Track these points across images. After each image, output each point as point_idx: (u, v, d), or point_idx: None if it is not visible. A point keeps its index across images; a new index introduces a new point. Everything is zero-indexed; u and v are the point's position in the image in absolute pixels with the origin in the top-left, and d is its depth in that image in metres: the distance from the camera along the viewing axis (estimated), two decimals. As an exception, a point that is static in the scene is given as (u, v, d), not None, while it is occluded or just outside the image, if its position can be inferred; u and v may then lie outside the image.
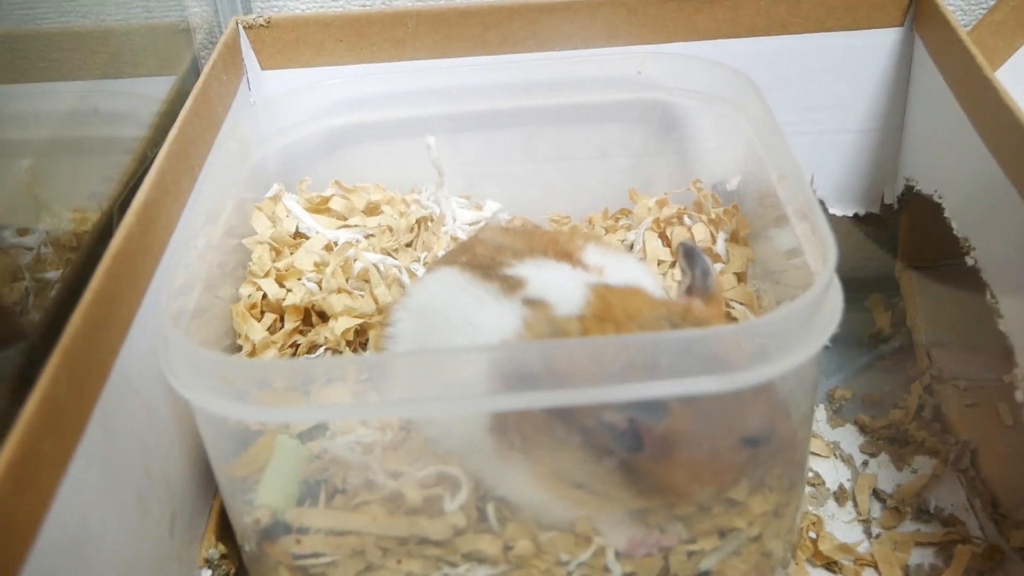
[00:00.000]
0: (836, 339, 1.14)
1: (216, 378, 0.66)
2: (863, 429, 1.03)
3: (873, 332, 1.15)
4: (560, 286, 0.78)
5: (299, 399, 0.66)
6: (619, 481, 0.72)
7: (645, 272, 0.90)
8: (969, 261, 0.90)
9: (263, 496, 0.75)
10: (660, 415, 0.68)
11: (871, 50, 1.07)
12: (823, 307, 0.71)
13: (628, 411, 0.68)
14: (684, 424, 0.69)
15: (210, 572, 0.81)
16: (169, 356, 0.68)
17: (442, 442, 0.77)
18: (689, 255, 0.76)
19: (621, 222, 1.10)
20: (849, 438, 1.02)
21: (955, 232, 0.94)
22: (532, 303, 0.76)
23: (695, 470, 0.71)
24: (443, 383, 0.66)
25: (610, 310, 0.74)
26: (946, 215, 0.96)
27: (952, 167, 0.98)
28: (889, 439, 1.01)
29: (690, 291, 0.76)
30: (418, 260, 1.01)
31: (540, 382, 0.65)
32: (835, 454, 1.00)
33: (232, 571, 0.82)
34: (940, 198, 0.98)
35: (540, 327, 0.74)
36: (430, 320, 0.80)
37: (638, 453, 0.70)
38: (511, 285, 0.79)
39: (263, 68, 1.04)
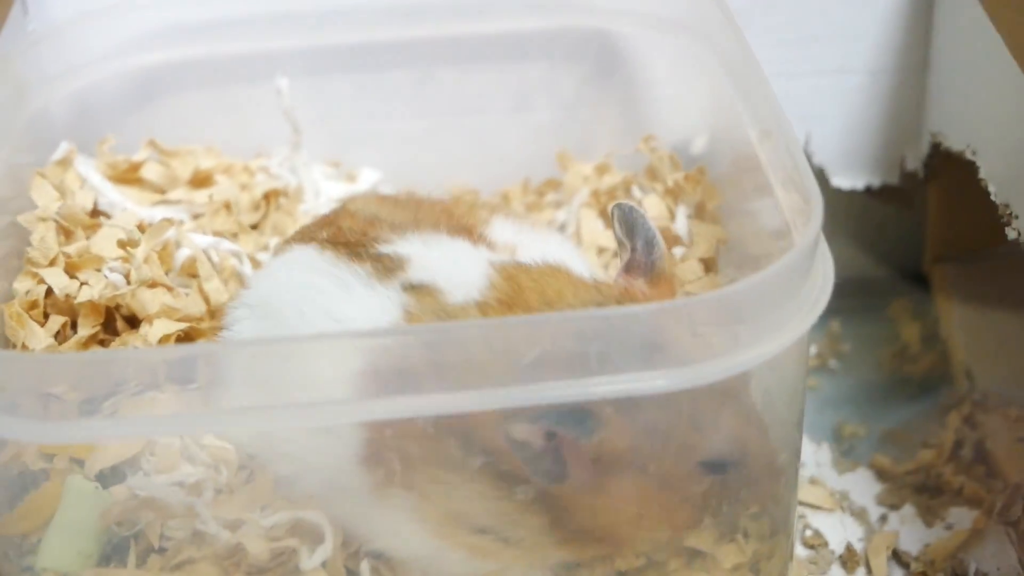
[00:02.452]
0: (848, 361, 1.19)
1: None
2: (881, 475, 1.07)
3: (896, 349, 1.19)
4: (454, 266, 0.82)
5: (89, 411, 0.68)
6: (538, 523, 0.75)
7: (573, 252, 0.94)
8: (1011, 234, 0.95)
9: (47, 557, 0.77)
10: (588, 427, 0.71)
11: (884, -40, 1.12)
12: (807, 280, 0.74)
13: (545, 422, 0.70)
14: (622, 440, 0.72)
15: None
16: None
17: (298, 482, 0.79)
18: (627, 219, 0.80)
19: (548, 197, 1.13)
20: (862, 486, 1.06)
21: (992, 197, 0.99)
22: (415, 288, 0.80)
23: (639, 506, 0.74)
24: (291, 386, 0.69)
25: (522, 295, 0.77)
26: (981, 176, 1.01)
27: (988, 113, 1.03)
28: (916, 487, 1.05)
29: (629, 268, 0.80)
30: (267, 248, 1.03)
31: (424, 382, 0.68)
32: (843, 507, 1.03)
33: (5, 672, 0.83)
34: (974, 154, 1.03)
35: (427, 318, 0.77)
36: (279, 317, 0.83)
37: (561, 482, 0.73)
38: (388, 266, 0.82)
39: (45, -16, 1.06)
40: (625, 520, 0.75)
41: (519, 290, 0.78)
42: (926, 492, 1.05)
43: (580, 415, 0.70)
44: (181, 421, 0.70)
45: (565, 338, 0.68)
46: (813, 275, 0.74)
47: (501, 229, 0.91)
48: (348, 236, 0.87)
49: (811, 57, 1.15)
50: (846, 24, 1.14)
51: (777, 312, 0.72)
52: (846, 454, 1.10)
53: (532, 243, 0.90)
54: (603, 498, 0.74)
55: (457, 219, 0.90)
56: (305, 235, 0.90)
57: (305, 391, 0.69)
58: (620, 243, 0.81)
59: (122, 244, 0.91)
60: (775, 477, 0.79)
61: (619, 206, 0.80)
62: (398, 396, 0.69)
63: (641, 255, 0.79)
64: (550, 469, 0.72)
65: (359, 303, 0.80)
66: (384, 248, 0.84)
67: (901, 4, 1.13)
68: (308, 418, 0.71)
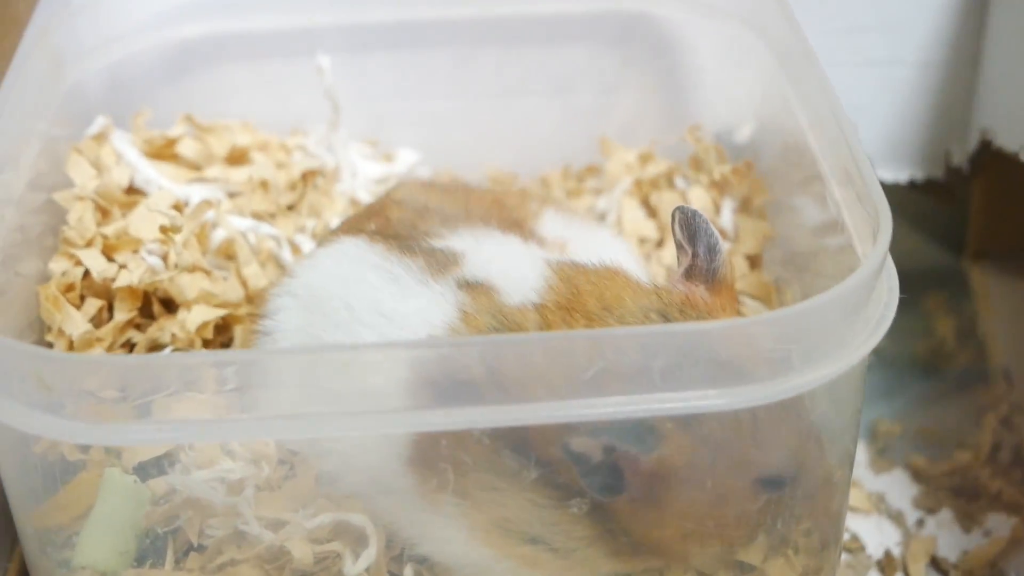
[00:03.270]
0: (882, 354, 1.19)
1: (25, 379, 0.67)
2: (918, 476, 1.07)
3: (931, 345, 1.19)
4: (510, 264, 0.81)
5: (138, 412, 0.67)
6: (590, 535, 0.74)
7: (625, 249, 0.93)
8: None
9: (85, 553, 0.76)
10: (648, 442, 0.70)
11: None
12: (872, 298, 0.73)
13: (604, 436, 0.70)
14: (681, 456, 0.71)
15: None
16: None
17: (341, 480, 0.78)
18: (689, 224, 0.79)
19: (588, 183, 1.12)
20: (899, 488, 1.06)
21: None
22: (471, 286, 0.79)
23: (694, 520, 0.74)
24: (344, 393, 0.68)
25: (580, 298, 0.76)
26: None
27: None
28: (953, 489, 1.05)
29: (690, 274, 0.79)
30: (303, 229, 1.02)
31: (482, 394, 0.67)
32: (880, 509, 1.03)
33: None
34: (1028, 157, 1.03)
35: (483, 319, 0.76)
36: (325, 310, 0.82)
37: (617, 495, 0.72)
38: (441, 262, 0.81)
39: (84, -47, 1.04)
40: (679, 534, 0.75)
41: (577, 293, 0.77)
42: (963, 496, 1.05)
43: (641, 430, 0.70)
44: (233, 427, 0.69)
45: (627, 353, 0.68)
46: (876, 297, 0.74)
47: (552, 223, 0.90)
48: (398, 228, 0.86)
49: (860, 47, 1.14)
50: (898, 15, 1.14)
51: (842, 331, 0.71)
52: (882, 453, 1.10)
53: (583, 238, 0.89)
54: (658, 512, 0.73)
55: (508, 211, 0.89)
56: (353, 226, 0.89)
57: (361, 399, 0.69)
58: (680, 248, 0.80)
59: (164, 230, 0.90)
60: (829, 494, 0.79)
61: (681, 210, 0.79)
62: (456, 407, 0.68)
63: (703, 262, 0.78)
64: (607, 482, 0.72)
65: (412, 299, 0.79)
66: (436, 242, 0.83)
67: (956, -7, 1.13)
68: (357, 428, 0.71)
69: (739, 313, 0.89)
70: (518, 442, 0.72)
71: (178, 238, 0.91)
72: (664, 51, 1.11)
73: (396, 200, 0.91)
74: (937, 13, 1.13)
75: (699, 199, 1.05)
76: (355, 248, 0.85)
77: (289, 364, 0.70)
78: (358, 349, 0.72)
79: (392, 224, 0.86)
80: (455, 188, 0.95)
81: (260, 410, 0.69)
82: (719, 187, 1.05)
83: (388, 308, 0.79)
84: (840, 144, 0.82)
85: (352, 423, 0.69)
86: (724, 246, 0.79)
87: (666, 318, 0.75)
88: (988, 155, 1.13)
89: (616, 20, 1.10)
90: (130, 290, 0.90)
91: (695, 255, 0.79)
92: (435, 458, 0.74)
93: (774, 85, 0.97)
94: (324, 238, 0.93)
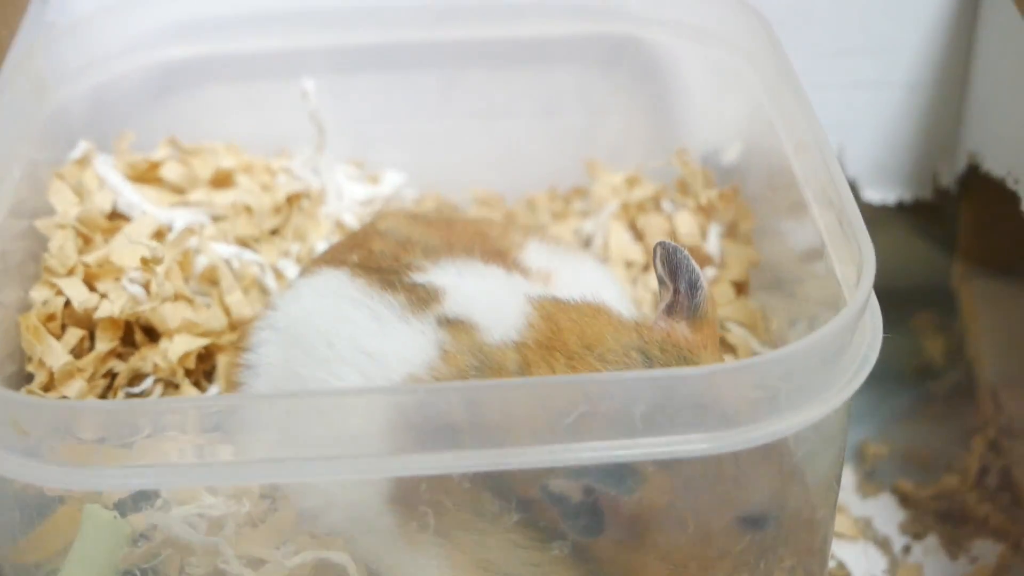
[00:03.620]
0: (870, 374, 1.19)
1: (1, 424, 0.67)
2: (904, 500, 1.07)
3: (919, 364, 1.19)
4: (491, 300, 0.80)
5: (117, 455, 0.67)
6: (570, 575, 0.74)
7: (609, 281, 0.92)
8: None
9: (66, 594, 0.76)
10: (629, 484, 0.70)
11: (926, -27, 1.11)
12: (855, 339, 0.73)
13: (585, 479, 0.69)
14: (662, 497, 0.71)
15: None
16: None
17: (322, 517, 0.78)
18: (671, 260, 0.79)
19: (575, 206, 1.12)
20: (885, 512, 1.06)
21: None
22: (452, 324, 0.78)
23: (676, 560, 0.73)
24: (325, 437, 0.68)
25: (561, 336, 0.76)
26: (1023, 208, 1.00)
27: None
28: (940, 514, 1.05)
29: (671, 310, 0.78)
30: (288, 255, 1.02)
31: (463, 437, 0.67)
32: (866, 535, 1.03)
33: None
34: (1016, 183, 1.02)
35: (463, 358, 0.76)
36: (307, 347, 0.81)
37: (597, 536, 0.72)
38: (423, 298, 0.80)
39: (66, -24, 1.04)
40: (660, 574, 0.74)
41: (558, 331, 0.76)
42: (950, 521, 1.05)
43: (621, 473, 0.70)
44: (212, 472, 0.69)
45: (609, 397, 0.67)
46: (859, 338, 0.74)
47: (535, 255, 0.89)
48: (380, 261, 0.85)
49: (849, 69, 1.14)
50: (886, 37, 1.13)
51: (825, 374, 0.71)
52: (869, 476, 1.10)
53: (567, 269, 0.89)
54: (640, 553, 0.73)
55: (491, 243, 0.89)
56: (335, 258, 0.89)
57: (341, 443, 0.68)
58: (662, 283, 0.79)
59: (145, 262, 0.89)
60: (812, 531, 0.79)
61: (663, 245, 0.79)
62: (437, 452, 0.68)
63: (684, 298, 0.78)
64: (587, 523, 0.71)
65: (392, 337, 0.79)
66: (418, 277, 0.83)
67: (943, 18, 1.12)
68: (337, 472, 0.70)
69: (720, 350, 0.89)
70: (499, 484, 0.72)
71: (159, 269, 0.90)
72: (652, 74, 1.11)
73: (379, 231, 0.90)
74: (925, 36, 1.13)
75: (686, 223, 1.05)
76: (337, 282, 0.84)
77: (269, 409, 0.69)
78: (338, 394, 0.72)
79: (375, 256, 0.86)
80: (438, 219, 0.95)
81: (240, 455, 0.68)
82: (706, 211, 1.05)
83: (369, 346, 0.79)
84: (822, 170, 0.83)
85: (332, 467, 0.69)
86: (706, 280, 0.79)
87: (647, 356, 0.75)
88: (976, 177, 1.13)
89: (604, 43, 1.10)
90: (111, 320, 0.89)
91: (676, 291, 0.78)
92: (416, 498, 0.73)
93: (760, 110, 0.97)
94: (307, 268, 0.92)
